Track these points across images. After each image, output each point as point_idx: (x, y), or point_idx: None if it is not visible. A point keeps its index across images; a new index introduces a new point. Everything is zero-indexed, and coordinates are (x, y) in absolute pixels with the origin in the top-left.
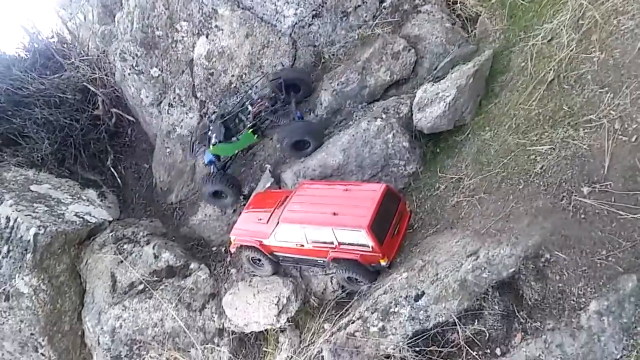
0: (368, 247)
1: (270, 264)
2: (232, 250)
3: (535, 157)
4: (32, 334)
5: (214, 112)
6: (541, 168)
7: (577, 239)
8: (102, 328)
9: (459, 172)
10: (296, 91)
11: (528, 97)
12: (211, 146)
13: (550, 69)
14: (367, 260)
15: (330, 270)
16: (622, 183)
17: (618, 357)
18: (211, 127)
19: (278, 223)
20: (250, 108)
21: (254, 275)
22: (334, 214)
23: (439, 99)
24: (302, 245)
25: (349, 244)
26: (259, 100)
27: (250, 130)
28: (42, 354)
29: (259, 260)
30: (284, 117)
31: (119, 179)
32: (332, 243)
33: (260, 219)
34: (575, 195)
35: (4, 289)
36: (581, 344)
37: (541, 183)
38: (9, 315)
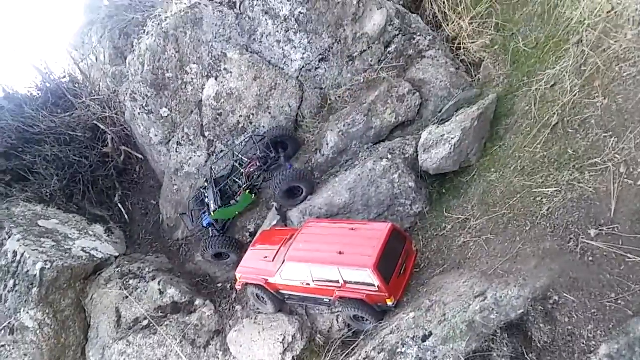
0: (374, 286)
1: (273, 302)
2: (238, 287)
3: (542, 199)
4: None
5: (206, 180)
6: (548, 210)
7: (585, 281)
8: None
9: (465, 212)
10: (284, 148)
11: (533, 140)
12: (212, 212)
13: (554, 113)
14: (373, 300)
15: (336, 308)
16: (630, 226)
17: None
18: (206, 194)
19: (284, 262)
20: (242, 170)
21: (259, 313)
22: (340, 252)
23: (444, 141)
24: (308, 284)
25: (355, 283)
26: (250, 162)
27: (247, 191)
28: None
29: (263, 298)
30: (276, 172)
31: (126, 215)
32: (337, 282)
33: (266, 257)
34: (583, 238)
35: (9, 323)
36: None
37: (548, 225)
38: (13, 349)
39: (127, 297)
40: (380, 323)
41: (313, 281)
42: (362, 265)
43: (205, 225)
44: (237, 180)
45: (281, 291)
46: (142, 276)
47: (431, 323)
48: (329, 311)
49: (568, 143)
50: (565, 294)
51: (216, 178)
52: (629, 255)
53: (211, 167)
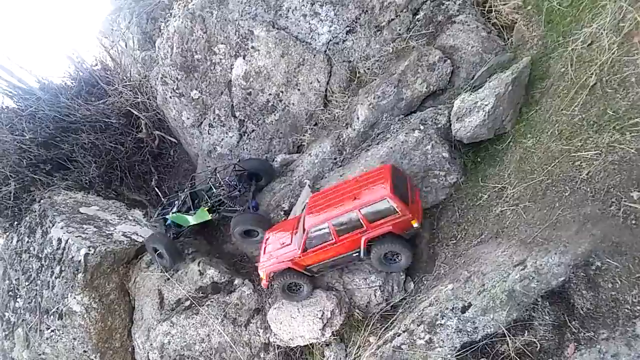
0: (397, 212)
1: (307, 282)
2: (265, 284)
3: (581, 163)
4: (84, 351)
5: (192, 182)
6: (587, 174)
7: (628, 245)
8: (151, 344)
9: (501, 181)
10: (258, 179)
11: (570, 102)
12: (171, 213)
13: (592, 73)
14: (400, 228)
15: (367, 257)
16: None
17: None
18: (180, 195)
19: (305, 231)
20: (214, 191)
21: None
22: (355, 198)
23: (477, 108)
24: (334, 243)
25: (379, 219)
26: (222, 186)
27: (206, 209)
28: None
29: (296, 285)
30: (240, 204)
31: (163, 198)
32: (362, 227)
33: (283, 243)
34: (625, 201)
35: (57, 308)
36: (638, 353)
37: (588, 189)
38: (62, 333)
39: (168, 279)
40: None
41: (338, 237)
42: (379, 196)
43: (167, 223)
44: (206, 196)
45: (309, 267)
46: (182, 258)
47: (470, 294)
48: (360, 262)
49: (607, 104)
50: (607, 259)
51: (194, 188)
52: None
53: (192, 176)
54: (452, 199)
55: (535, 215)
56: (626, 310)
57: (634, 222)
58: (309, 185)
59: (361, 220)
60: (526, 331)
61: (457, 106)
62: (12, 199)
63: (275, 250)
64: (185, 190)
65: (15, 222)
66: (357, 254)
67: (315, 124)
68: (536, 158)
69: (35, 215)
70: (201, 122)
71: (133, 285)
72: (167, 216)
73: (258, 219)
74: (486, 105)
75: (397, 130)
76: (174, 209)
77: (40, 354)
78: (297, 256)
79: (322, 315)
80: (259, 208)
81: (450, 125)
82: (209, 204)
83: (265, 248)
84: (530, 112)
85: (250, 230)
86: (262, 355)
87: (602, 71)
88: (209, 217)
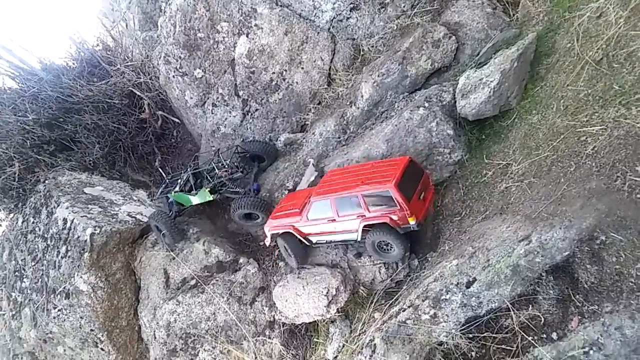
0: (395, 205)
1: (296, 255)
2: (267, 242)
3: (586, 138)
4: (92, 329)
5: (195, 162)
6: (593, 149)
7: (633, 219)
8: (157, 323)
9: (506, 157)
10: (261, 161)
11: (576, 77)
12: (173, 192)
13: (598, 48)
14: (396, 223)
15: (362, 244)
16: None
17: None
18: (182, 175)
19: (310, 201)
20: (217, 172)
21: (302, 268)
22: (362, 182)
23: (483, 85)
24: (334, 219)
25: (378, 206)
26: (225, 167)
27: (208, 189)
28: (101, 348)
29: (287, 250)
30: (241, 186)
31: (165, 177)
32: (361, 212)
33: (292, 206)
34: (630, 175)
35: (64, 287)
36: None
37: (593, 164)
38: (69, 312)
39: (173, 258)
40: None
41: (338, 216)
42: (383, 184)
43: (168, 201)
44: (208, 177)
45: (309, 237)
46: (187, 237)
47: (475, 269)
48: (355, 248)
49: (613, 78)
50: (612, 233)
51: (197, 168)
52: None
53: (195, 156)
54: (457, 176)
55: (540, 191)
56: (630, 283)
57: (638, 196)
58: (312, 164)
59: (361, 204)
60: (530, 305)
61: (462, 83)
62: (16, 180)
63: (284, 211)
64: (188, 169)
65: (20, 203)
66: (355, 238)
67: (319, 103)
68: (541, 134)
69: (40, 196)
70: (204, 102)
71: (139, 264)
72: (169, 195)
73: (257, 203)
74: (491, 81)
75: (401, 108)
76: (177, 188)
77: (47, 333)
78: (299, 223)
79: (327, 293)
80: (260, 190)
81: (455, 102)
82: (211, 185)
83: (278, 207)
84: (536, 88)
85: (250, 214)
86: (267, 333)
87: (608, 46)
88: (210, 197)
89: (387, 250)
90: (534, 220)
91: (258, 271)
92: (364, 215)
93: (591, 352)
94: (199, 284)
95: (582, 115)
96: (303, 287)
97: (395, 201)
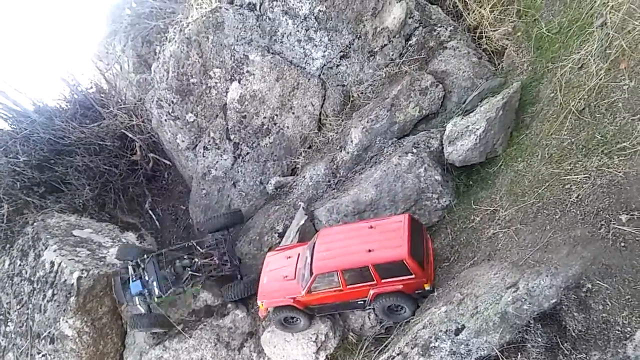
0: (411, 274)
1: (306, 318)
2: (262, 315)
3: (571, 186)
4: None
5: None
6: (577, 197)
7: (618, 267)
8: None
9: (493, 203)
10: (230, 228)
11: (559, 126)
12: (156, 296)
13: (580, 99)
14: (411, 288)
15: (370, 307)
16: None
17: None
18: (145, 268)
19: (312, 273)
20: (197, 258)
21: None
22: (369, 250)
23: (469, 132)
24: (341, 290)
25: (391, 277)
26: (210, 254)
27: (199, 286)
28: None
29: (293, 318)
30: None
31: (156, 221)
32: (372, 280)
33: (286, 276)
34: (614, 224)
35: (49, 332)
36: None
37: (578, 212)
38: (54, 358)
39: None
40: (413, 315)
41: (346, 286)
42: (396, 257)
43: (134, 294)
44: (187, 264)
45: (310, 306)
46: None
47: (463, 316)
48: (362, 310)
49: (596, 128)
50: (598, 281)
51: (159, 252)
52: None
53: (149, 254)
54: (445, 221)
55: (527, 238)
56: (617, 331)
57: (623, 244)
58: (303, 208)
59: (373, 275)
60: (519, 353)
61: (449, 130)
62: (4, 221)
63: (276, 284)
64: (148, 260)
65: (8, 245)
66: (361, 302)
67: (310, 147)
68: (527, 181)
69: (28, 238)
70: (196, 145)
71: (125, 308)
72: (135, 286)
73: (251, 285)
74: (477, 129)
75: (390, 154)
76: (156, 292)
77: None
78: (301, 296)
79: (316, 339)
80: (241, 260)
81: (443, 148)
82: (200, 280)
83: (265, 276)
84: (521, 136)
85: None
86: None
87: (590, 96)
88: (198, 291)
89: (398, 312)
90: (521, 268)
91: (247, 316)
92: (376, 285)
93: None
94: (186, 328)
95: (566, 163)
96: (292, 333)
97: (410, 271)
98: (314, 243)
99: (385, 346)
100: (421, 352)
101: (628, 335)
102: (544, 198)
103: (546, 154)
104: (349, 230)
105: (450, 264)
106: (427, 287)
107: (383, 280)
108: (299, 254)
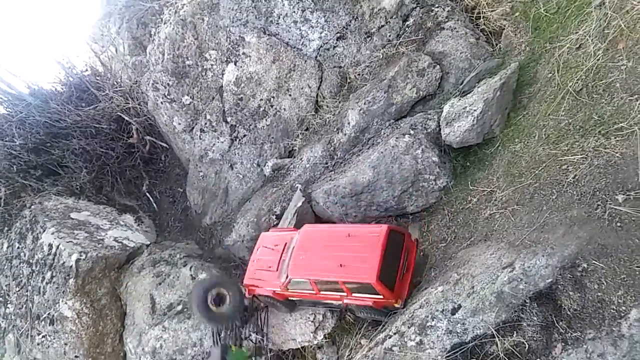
0: (379, 295)
1: (286, 307)
2: (248, 297)
3: (567, 167)
4: (76, 356)
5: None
6: (574, 177)
7: (614, 247)
8: (143, 349)
9: (490, 184)
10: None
11: (557, 107)
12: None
13: (578, 79)
14: (380, 305)
15: (346, 311)
16: None
17: None
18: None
19: (287, 276)
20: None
21: None
22: (341, 265)
23: (466, 113)
24: (315, 294)
25: (360, 293)
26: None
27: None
28: None
29: (275, 304)
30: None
31: (154, 204)
32: (343, 292)
33: (270, 267)
34: (610, 204)
35: (48, 314)
36: (623, 353)
37: (575, 193)
38: (53, 338)
39: (160, 284)
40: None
41: (319, 291)
42: (364, 280)
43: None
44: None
45: (291, 298)
46: (174, 263)
47: (460, 296)
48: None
49: (593, 109)
50: (594, 261)
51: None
52: None
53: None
54: (442, 202)
55: (524, 218)
56: (612, 310)
57: (619, 224)
58: (300, 190)
59: (342, 289)
60: (515, 332)
61: (447, 111)
62: (1, 204)
63: (260, 272)
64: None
65: (6, 228)
66: (338, 305)
67: (307, 129)
68: (524, 162)
69: (26, 221)
70: (192, 128)
71: (124, 290)
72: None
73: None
74: (475, 110)
75: (387, 135)
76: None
77: None
78: (278, 291)
79: (314, 319)
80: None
81: (440, 130)
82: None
83: (254, 261)
84: (518, 117)
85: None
86: (254, 358)
87: (587, 77)
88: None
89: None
90: (517, 248)
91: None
92: (347, 296)
93: None
94: (185, 309)
95: (563, 144)
96: (289, 313)
97: (378, 293)
98: (295, 245)
99: (383, 326)
100: (418, 331)
101: (623, 314)
102: (541, 179)
103: (543, 134)
104: (328, 235)
105: (447, 244)
106: (396, 305)
107: (353, 295)
108: (285, 244)
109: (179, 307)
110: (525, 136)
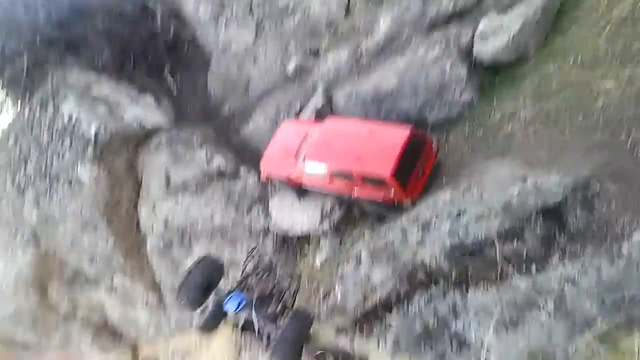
0: (391, 191)
1: (296, 193)
2: (263, 178)
3: (598, 93)
4: (91, 216)
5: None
6: (603, 104)
7: (630, 173)
8: (156, 217)
9: (516, 103)
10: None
11: (597, 33)
12: None
13: (624, 8)
14: (390, 201)
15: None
16: None
17: None
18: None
19: (304, 159)
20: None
21: None
22: (359, 157)
23: (503, 31)
24: (329, 182)
25: (372, 187)
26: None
27: None
28: (100, 233)
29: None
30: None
31: (175, 88)
32: (357, 184)
33: (289, 152)
34: (635, 133)
35: (67, 175)
36: (619, 270)
37: (601, 118)
38: (71, 198)
39: (175, 162)
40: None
41: (332, 179)
42: (380, 174)
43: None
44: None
45: (304, 185)
46: (190, 144)
47: (467, 202)
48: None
49: (635, 38)
50: (607, 184)
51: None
52: None
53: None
54: (465, 116)
55: (544, 139)
56: (616, 231)
57: (639, 153)
58: (321, 90)
59: (356, 179)
60: (516, 240)
61: (483, 26)
62: (25, 73)
63: (279, 155)
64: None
65: (28, 95)
66: (347, 198)
67: (335, 32)
68: (554, 84)
69: (48, 90)
70: (217, 18)
71: (141, 164)
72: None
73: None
74: (512, 28)
75: (417, 45)
76: None
77: (48, 215)
78: (293, 176)
79: (322, 208)
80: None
81: (473, 45)
82: None
83: (273, 144)
84: (556, 40)
85: None
86: (260, 238)
87: (635, 7)
88: None
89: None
90: (532, 165)
91: (257, 182)
92: (358, 186)
93: (566, 286)
94: (198, 187)
95: (598, 70)
96: (299, 201)
97: (391, 187)
98: (317, 133)
99: (388, 222)
100: (420, 228)
101: (626, 236)
102: (570, 102)
103: (579, 59)
104: (351, 128)
105: (462, 155)
106: (405, 204)
107: (364, 186)
108: (307, 133)
109: (192, 185)
110: (560, 60)
